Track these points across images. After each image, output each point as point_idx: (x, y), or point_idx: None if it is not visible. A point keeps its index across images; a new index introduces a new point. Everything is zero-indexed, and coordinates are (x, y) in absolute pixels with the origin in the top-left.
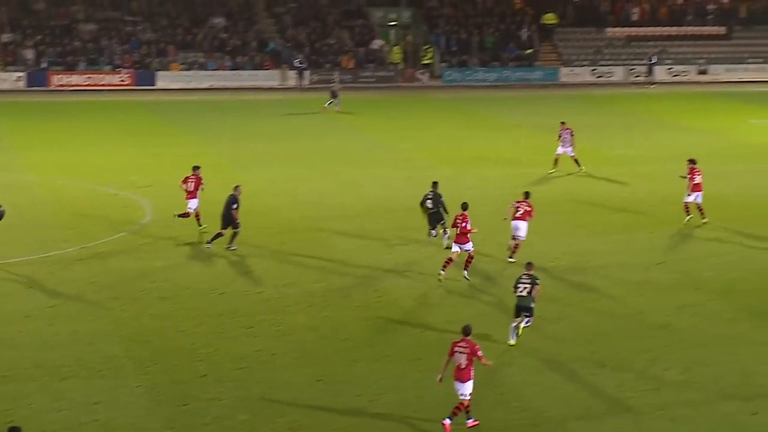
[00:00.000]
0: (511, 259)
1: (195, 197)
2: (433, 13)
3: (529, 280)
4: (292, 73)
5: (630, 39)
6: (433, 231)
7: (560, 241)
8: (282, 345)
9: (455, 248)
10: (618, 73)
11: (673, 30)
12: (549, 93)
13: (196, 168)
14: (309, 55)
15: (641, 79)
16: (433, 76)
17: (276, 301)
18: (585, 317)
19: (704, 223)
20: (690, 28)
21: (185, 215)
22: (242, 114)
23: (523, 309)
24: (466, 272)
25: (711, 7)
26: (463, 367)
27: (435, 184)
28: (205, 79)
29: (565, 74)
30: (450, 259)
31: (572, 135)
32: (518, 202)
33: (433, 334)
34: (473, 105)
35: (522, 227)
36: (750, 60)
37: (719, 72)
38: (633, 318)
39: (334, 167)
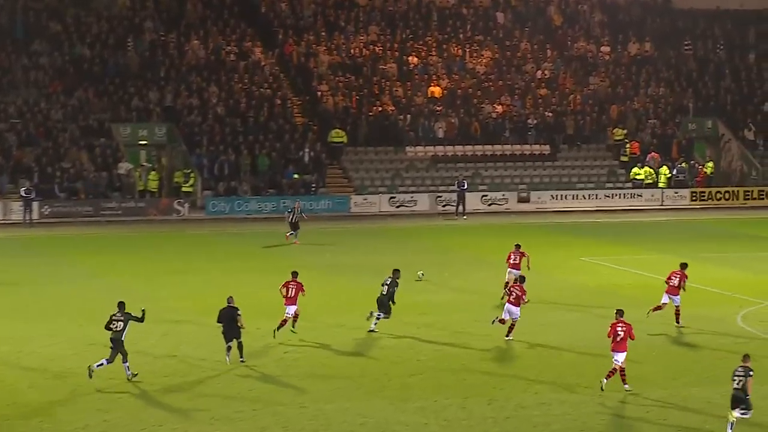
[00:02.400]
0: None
1: None
2: (193, 130)
3: (743, 372)
4: (17, 205)
5: (435, 160)
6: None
7: None
8: None
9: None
10: (422, 201)
11: (488, 149)
12: (338, 226)
13: None
14: (37, 183)
15: (451, 209)
16: (194, 207)
17: None
18: None
19: None
20: (508, 146)
21: None
22: None
23: (737, 401)
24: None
25: (532, 121)
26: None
27: (396, 272)
28: None
29: (358, 203)
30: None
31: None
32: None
33: None
34: (245, 242)
35: (515, 311)
36: (579, 185)
37: (544, 199)
38: None
39: (68, 324)
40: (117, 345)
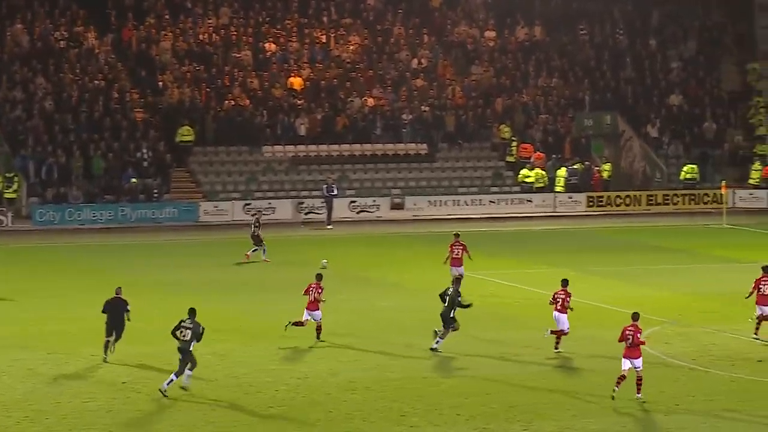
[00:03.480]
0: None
1: None
2: (17, 128)
3: None
4: None
5: (296, 161)
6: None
7: None
8: None
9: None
10: (282, 208)
11: (357, 148)
12: (185, 237)
13: None
14: None
15: (315, 216)
16: (19, 216)
17: None
18: None
19: None
20: (379, 145)
21: None
22: None
23: None
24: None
25: (407, 117)
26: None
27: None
28: None
29: (208, 211)
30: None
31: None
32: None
33: None
34: (77, 257)
35: (562, 319)
36: (461, 189)
37: (421, 206)
38: None
39: None
40: (185, 354)
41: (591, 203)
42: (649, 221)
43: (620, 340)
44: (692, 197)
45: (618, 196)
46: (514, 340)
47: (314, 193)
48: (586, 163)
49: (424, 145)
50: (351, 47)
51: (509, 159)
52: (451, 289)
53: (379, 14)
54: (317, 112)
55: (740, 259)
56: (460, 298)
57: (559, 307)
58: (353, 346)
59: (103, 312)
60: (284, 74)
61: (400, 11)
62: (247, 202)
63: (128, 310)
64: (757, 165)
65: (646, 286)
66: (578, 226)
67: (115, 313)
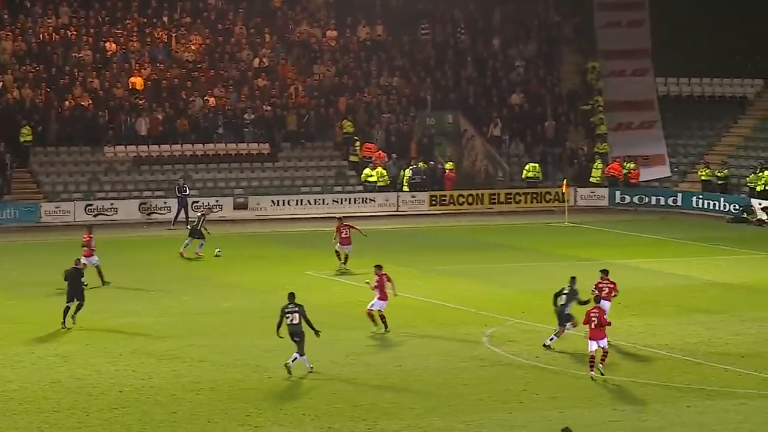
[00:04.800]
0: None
1: None
2: None
3: None
4: None
5: (138, 161)
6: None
7: None
8: None
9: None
10: (125, 208)
11: (199, 148)
12: (26, 238)
13: None
14: None
15: (158, 216)
16: None
17: None
18: None
19: None
20: (221, 145)
21: None
22: None
23: None
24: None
25: (249, 117)
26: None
27: (573, 279)
28: None
29: (49, 212)
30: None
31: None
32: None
33: None
34: None
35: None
36: (304, 188)
37: (264, 205)
38: None
39: None
40: (301, 336)
41: (434, 202)
42: (492, 220)
43: (584, 323)
44: (534, 196)
45: (461, 195)
46: (358, 339)
47: (157, 193)
48: (430, 162)
49: (267, 145)
50: (192, 47)
51: (353, 158)
52: (567, 288)
53: (220, 14)
54: (159, 112)
55: (582, 257)
56: (578, 296)
57: (603, 295)
58: (198, 346)
59: (65, 279)
60: (125, 74)
61: (241, 10)
62: (89, 202)
63: (83, 278)
64: (597, 163)
65: (489, 284)
66: (421, 225)
67: (73, 281)
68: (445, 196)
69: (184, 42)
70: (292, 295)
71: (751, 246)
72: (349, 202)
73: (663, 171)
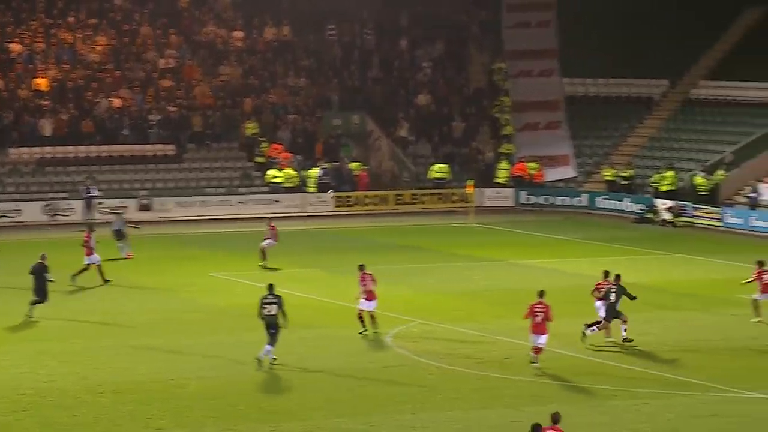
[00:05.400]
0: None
1: None
2: None
3: None
4: None
5: (43, 163)
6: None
7: None
8: None
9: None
10: (29, 210)
11: (104, 149)
12: None
13: None
14: None
15: (63, 218)
16: None
17: None
18: None
19: None
20: (126, 146)
21: None
22: None
23: None
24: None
25: (154, 118)
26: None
27: (618, 276)
28: None
29: None
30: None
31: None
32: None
33: None
34: None
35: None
36: (209, 189)
37: (169, 207)
38: None
39: None
40: (275, 328)
41: (340, 203)
42: (398, 221)
43: (526, 317)
44: (440, 196)
45: (366, 196)
46: (262, 341)
47: (61, 194)
48: (335, 163)
49: (172, 146)
50: (98, 48)
51: (259, 159)
52: (615, 287)
53: (126, 14)
54: (64, 113)
55: (488, 257)
56: (627, 291)
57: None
58: (101, 348)
59: (30, 274)
60: (30, 75)
61: (147, 11)
62: None
63: (48, 274)
64: (503, 164)
65: (394, 284)
66: (327, 226)
67: (38, 276)
68: (351, 197)
69: (89, 43)
70: (271, 286)
71: (655, 246)
72: (255, 203)
73: (568, 171)
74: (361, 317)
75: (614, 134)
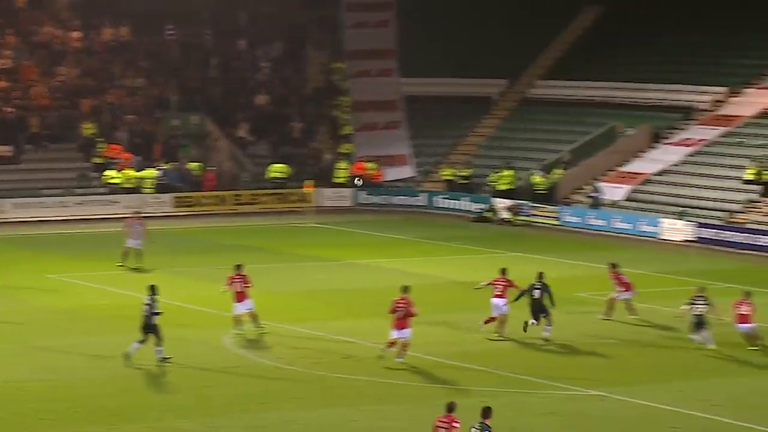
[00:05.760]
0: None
1: None
2: None
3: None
4: None
5: None
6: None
7: None
8: None
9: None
10: None
11: None
12: None
13: None
14: None
15: None
16: None
17: None
18: None
19: None
20: None
21: None
22: None
23: None
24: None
25: None
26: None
27: (541, 275)
28: None
29: None
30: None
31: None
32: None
33: None
34: None
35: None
36: (46, 191)
37: (6, 208)
38: None
39: None
40: (152, 328)
41: (178, 204)
42: (238, 221)
43: (391, 312)
44: (280, 197)
45: (204, 197)
46: (104, 343)
47: None
48: (175, 163)
49: (9, 147)
50: None
51: (97, 160)
52: (538, 283)
53: None
54: None
55: (327, 257)
56: (550, 291)
57: (497, 293)
58: None
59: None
60: None
61: None
62: None
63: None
64: (342, 164)
65: None
66: (166, 227)
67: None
68: (190, 197)
69: None
70: (152, 288)
71: (493, 245)
72: (92, 204)
73: (407, 171)
74: (237, 320)
75: (453, 134)
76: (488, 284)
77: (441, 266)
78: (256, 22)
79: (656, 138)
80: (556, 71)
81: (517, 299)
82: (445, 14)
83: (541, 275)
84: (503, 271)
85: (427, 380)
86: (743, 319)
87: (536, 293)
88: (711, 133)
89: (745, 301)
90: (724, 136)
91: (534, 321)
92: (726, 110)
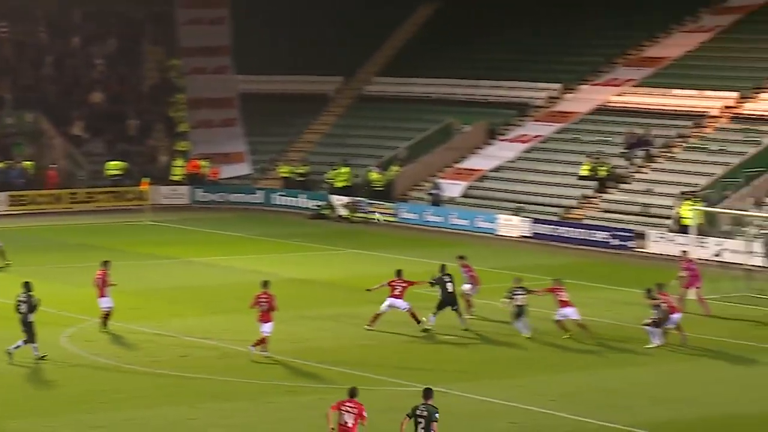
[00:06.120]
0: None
1: None
2: None
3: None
4: None
5: None
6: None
7: None
8: None
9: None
10: None
11: None
12: None
13: None
14: None
15: None
16: None
17: None
18: None
19: None
20: None
21: None
22: None
23: None
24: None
25: None
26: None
27: (443, 266)
28: None
29: None
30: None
31: None
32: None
33: None
34: None
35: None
36: None
37: None
38: None
39: None
40: (28, 325)
41: (13, 203)
42: (73, 219)
43: (252, 306)
44: (116, 195)
45: (40, 195)
46: None
47: None
48: (9, 162)
49: None
50: None
51: None
52: (447, 276)
53: None
54: None
55: (164, 255)
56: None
57: (396, 293)
58: None
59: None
60: None
61: None
62: None
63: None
64: (179, 161)
65: (68, 284)
66: (2, 226)
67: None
68: (24, 196)
69: None
70: (26, 284)
71: (330, 242)
72: None
73: (243, 168)
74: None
75: (289, 131)
76: (384, 285)
77: (277, 264)
78: (91, 19)
79: (492, 134)
80: (392, 68)
81: (433, 285)
82: (280, 11)
83: (443, 267)
84: (399, 273)
85: (268, 378)
86: (565, 304)
87: (449, 286)
88: (546, 129)
89: (561, 287)
90: (559, 132)
91: (432, 318)
92: (561, 107)
